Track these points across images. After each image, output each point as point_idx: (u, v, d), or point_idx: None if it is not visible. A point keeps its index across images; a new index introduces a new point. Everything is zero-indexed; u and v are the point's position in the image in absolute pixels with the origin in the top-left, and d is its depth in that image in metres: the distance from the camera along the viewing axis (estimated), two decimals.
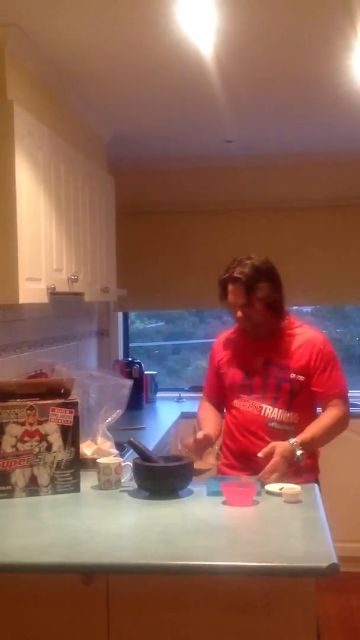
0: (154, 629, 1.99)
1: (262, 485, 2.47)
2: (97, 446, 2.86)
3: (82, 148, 3.74)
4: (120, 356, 5.32)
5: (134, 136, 4.44)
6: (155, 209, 5.14)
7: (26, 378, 3.41)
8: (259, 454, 2.55)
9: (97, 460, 2.60)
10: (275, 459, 2.52)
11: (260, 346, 2.79)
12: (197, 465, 2.58)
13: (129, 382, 3.01)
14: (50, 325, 3.99)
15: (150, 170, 5.09)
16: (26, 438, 2.47)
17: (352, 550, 3.92)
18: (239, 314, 2.74)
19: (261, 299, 2.69)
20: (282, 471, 2.51)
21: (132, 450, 2.68)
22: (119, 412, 2.92)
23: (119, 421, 2.97)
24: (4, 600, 2.02)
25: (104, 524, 2.21)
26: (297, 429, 2.68)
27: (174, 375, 5.79)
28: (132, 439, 2.57)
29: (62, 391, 2.58)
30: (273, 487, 2.44)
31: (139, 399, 4.69)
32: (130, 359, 5.10)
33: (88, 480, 2.57)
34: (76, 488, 2.52)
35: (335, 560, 1.84)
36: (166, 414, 4.65)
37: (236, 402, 2.80)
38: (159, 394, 5.12)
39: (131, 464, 2.53)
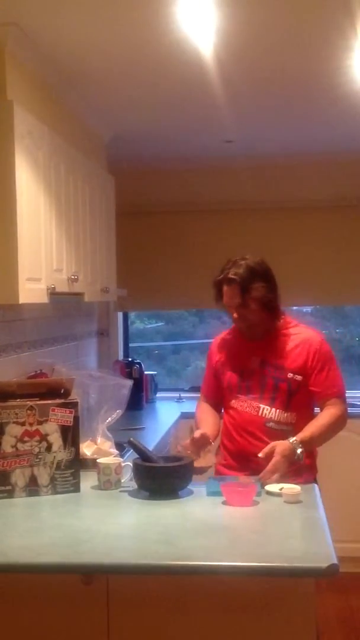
0: (154, 629, 1.99)
1: (263, 485, 2.46)
2: (97, 446, 2.86)
3: (82, 148, 3.74)
4: (120, 356, 5.32)
5: (134, 136, 4.44)
6: (155, 209, 5.14)
7: (26, 378, 3.41)
8: (260, 454, 2.54)
9: (97, 461, 2.60)
10: (276, 458, 2.52)
11: (256, 346, 2.79)
12: (198, 463, 2.58)
13: (129, 382, 3.01)
14: (50, 325, 3.99)
15: (150, 170, 5.09)
16: (26, 438, 2.47)
17: (352, 551, 3.92)
18: (235, 314, 2.74)
19: (256, 299, 2.69)
20: (283, 471, 2.51)
21: (132, 450, 2.68)
22: (119, 412, 2.92)
23: (119, 421, 2.97)
24: (4, 600, 2.02)
25: (104, 524, 2.21)
26: (295, 428, 2.68)
27: (173, 375, 5.79)
28: (132, 439, 2.57)
29: (62, 391, 2.58)
30: (273, 487, 2.44)
31: (138, 399, 4.69)
32: (130, 359, 5.10)
33: (88, 481, 2.57)
34: (76, 488, 2.52)
35: (335, 561, 1.84)
36: (166, 414, 4.65)
37: (234, 403, 2.80)
38: (158, 394, 5.12)
39: (131, 464, 2.52)
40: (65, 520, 2.26)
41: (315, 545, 1.99)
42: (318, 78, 3.40)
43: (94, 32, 2.87)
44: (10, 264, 2.71)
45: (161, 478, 2.44)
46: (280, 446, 2.55)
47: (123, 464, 2.57)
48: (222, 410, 2.91)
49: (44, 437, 2.49)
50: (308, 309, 5.67)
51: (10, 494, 2.45)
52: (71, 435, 2.52)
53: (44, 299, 2.99)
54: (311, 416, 2.77)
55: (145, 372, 4.99)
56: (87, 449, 2.81)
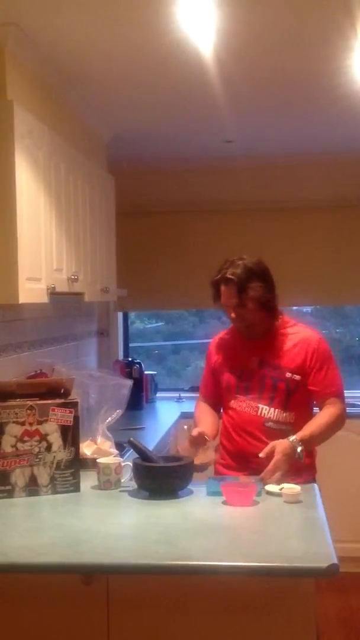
0: (154, 629, 1.99)
1: (265, 484, 2.46)
2: (97, 446, 2.86)
3: (82, 148, 3.74)
4: (120, 356, 5.32)
5: (134, 136, 4.44)
6: (155, 209, 5.14)
7: (26, 378, 3.41)
8: (261, 455, 2.54)
9: (97, 460, 2.60)
10: (277, 457, 2.52)
11: (255, 346, 2.79)
12: (198, 460, 2.58)
13: (129, 382, 3.01)
14: (50, 325, 3.99)
15: (150, 170, 5.09)
16: (26, 438, 2.47)
17: (352, 551, 3.92)
18: (232, 314, 2.74)
19: (253, 298, 2.69)
20: (284, 469, 2.51)
21: (132, 450, 2.68)
22: (118, 412, 2.92)
23: (119, 421, 2.97)
24: (4, 600, 2.02)
25: (103, 524, 2.21)
26: (294, 428, 2.68)
27: (173, 375, 5.79)
28: (132, 438, 2.57)
29: (62, 391, 2.58)
30: (273, 487, 2.44)
31: (138, 399, 4.69)
32: (130, 359, 5.10)
33: (88, 480, 2.57)
34: (76, 488, 2.52)
35: (335, 561, 1.84)
36: (166, 414, 4.65)
37: (233, 403, 2.80)
38: (158, 394, 5.12)
39: (131, 464, 2.52)
40: (65, 520, 2.26)
41: (315, 545, 1.99)
42: (318, 78, 3.40)
43: (93, 32, 2.87)
44: (10, 263, 2.71)
45: (161, 478, 2.44)
46: (280, 445, 2.55)
47: (123, 464, 2.57)
48: (221, 410, 2.92)
49: (43, 437, 2.49)
50: (308, 309, 5.67)
51: (10, 493, 2.45)
52: (71, 435, 2.52)
53: (44, 298, 2.99)
54: (310, 415, 2.77)
55: (145, 372, 5.00)
56: (87, 449, 2.81)
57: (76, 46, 3.02)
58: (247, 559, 1.91)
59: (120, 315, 5.41)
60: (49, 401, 2.51)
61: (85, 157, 3.71)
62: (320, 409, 2.75)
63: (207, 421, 2.85)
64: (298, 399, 2.73)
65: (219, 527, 2.18)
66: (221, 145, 4.59)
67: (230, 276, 2.69)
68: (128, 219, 4.92)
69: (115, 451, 2.88)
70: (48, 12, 2.66)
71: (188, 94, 3.61)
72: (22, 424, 2.46)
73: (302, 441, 2.58)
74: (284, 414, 2.73)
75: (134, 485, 2.50)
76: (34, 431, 2.48)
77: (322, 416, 2.71)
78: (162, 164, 5.01)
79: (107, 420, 2.90)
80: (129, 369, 4.85)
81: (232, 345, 2.88)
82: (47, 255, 3.03)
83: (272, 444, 2.56)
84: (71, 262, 3.37)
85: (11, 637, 2.03)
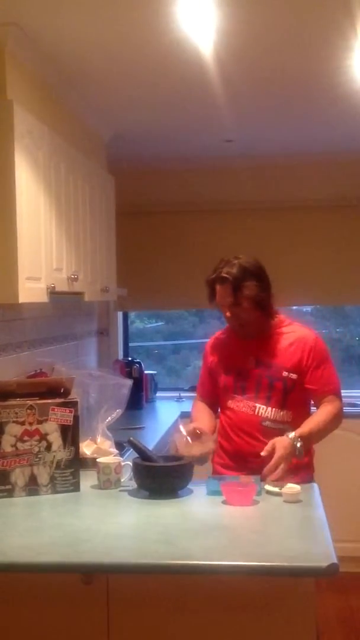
0: (154, 629, 1.99)
1: (267, 481, 2.46)
2: (97, 445, 2.86)
3: (82, 148, 3.74)
4: (120, 356, 5.32)
5: (134, 136, 4.44)
6: (155, 209, 5.14)
7: (26, 377, 3.41)
8: (262, 453, 2.54)
9: (97, 460, 2.60)
10: (279, 452, 2.52)
11: (250, 345, 2.80)
12: (197, 450, 2.59)
13: (129, 382, 3.01)
14: (50, 325, 3.99)
15: (150, 170, 5.09)
16: (26, 437, 2.47)
17: (352, 550, 3.92)
18: (227, 313, 2.75)
19: (248, 297, 2.69)
20: (286, 464, 2.51)
21: (131, 449, 2.69)
22: (118, 412, 2.92)
23: (119, 421, 2.97)
24: (4, 600, 2.02)
25: (103, 524, 2.21)
26: (292, 427, 2.67)
27: (173, 375, 5.80)
28: (131, 438, 2.57)
29: (62, 390, 2.58)
30: (273, 487, 2.44)
31: (138, 399, 4.69)
32: (130, 359, 5.11)
33: (88, 480, 2.57)
34: (76, 487, 2.52)
35: (335, 560, 1.84)
36: (166, 414, 4.65)
37: (230, 403, 2.80)
38: (158, 394, 5.12)
39: (131, 464, 2.53)
40: (65, 520, 2.26)
41: (315, 545, 1.99)
42: (318, 78, 3.40)
43: (94, 32, 2.87)
44: (10, 263, 2.71)
45: (161, 477, 2.44)
46: (279, 442, 2.55)
47: (123, 464, 2.57)
48: (218, 410, 2.92)
49: (43, 437, 2.49)
50: (308, 309, 5.67)
51: (10, 493, 2.45)
52: (71, 434, 2.52)
53: (43, 298, 2.99)
54: (307, 414, 2.78)
55: (145, 372, 5.00)
56: (86, 449, 2.81)
57: (76, 46, 3.02)
58: (247, 558, 1.91)
59: (120, 314, 5.41)
60: (49, 401, 2.51)
61: (85, 157, 3.72)
62: (318, 407, 2.76)
63: (203, 419, 2.85)
64: (295, 398, 2.74)
65: (219, 527, 2.17)
66: (221, 145, 4.59)
67: (225, 275, 2.69)
68: (128, 219, 4.92)
69: (115, 451, 2.88)
70: (48, 12, 2.66)
71: (188, 94, 3.61)
72: (22, 423, 2.46)
73: (301, 438, 2.58)
74: (281, 413, 2.73)
75: (133, 484, 2.50)
76: (34, 431, 2.48)
77: (321, 414, 2.72)
78: (162, 163, 5.01)
79: (107, 420, 2.90)
80: (128, 368, 4.85)
81: (228, 345, 2.88)
82: (47, 254, 3.03)
83: (272, 441, 2.57)
84: (71, 262, 3.37)
85: (11, 637, 2.03)
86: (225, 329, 2.93)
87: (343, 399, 2.83)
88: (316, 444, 2.76)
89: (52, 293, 3.06)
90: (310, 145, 4.70)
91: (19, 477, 2.46)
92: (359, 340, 5.68)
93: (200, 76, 3.25)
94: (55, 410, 2.50)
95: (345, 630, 3.76)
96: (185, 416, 4.30)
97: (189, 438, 2.64)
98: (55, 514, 2.37)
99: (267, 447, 2.56)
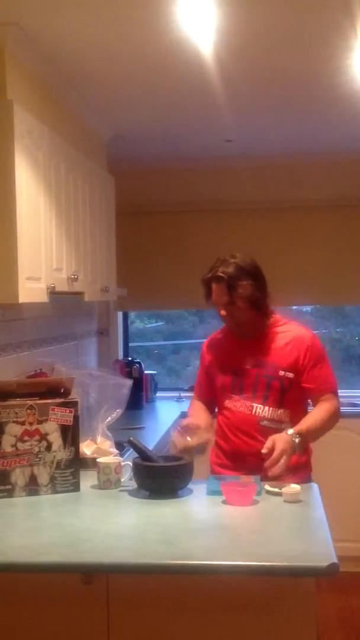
0: (154, 629, 1.99)
1: (269, 474, 2.46)
2: (97, 445, 2.86)
3: (82, 148, 3.74)
4: (120, 356, 5.32)
5: (134, 136, 4.44)
6: (155, 209, 5.14)
7: (26, 377, 3.41)
8: (263, 450, 2.54)
9: (97, 460, 2.60)
10: (280, 446, 2.51)
11: (247, 345, 2.80)
12: (194, 440, 2.59)
13: (129, 382, 3.01)
14: (50, 325, 3.99)
15: (150, 170, 5.09)
16: (26, 437, 2.47)
17: (352, 550, 3.92)
18: (223, 312, 2.75)
19: (244, 297, 2.69)
20: (287, 459, 2.50)
21: (131, 449, 2.68)
22: (118, 412, 2.92)
23: (119, 421, 2.97)
24: (4, 600, 2.02)
25: (103, 524, 2.21)
26: (289, 425, 2.67)
27: (173, 375, 5.79)
28: (131, 438, 2.57)
29: (62, 390, 2.58)
30: (273, 487, 2.44)
31: (138, 399, 4.69)
32: (130, 359, 5.11)
33: (88, 480, 2.57)
34: (76, 487, 2.52)
35: (335, 560, 1.84)
36: (166, 414, 4.65)
37: (228, 403, 2.81)
38: (158, 394, 5.12)
39: (131, 464, 2.52)
40: (65, 520, 2.26)
41: (315, 545, 1.99)
42: (318, 78, 3.40)
43: (94, 32, 2.87)
44: (10, 263, 2.71)
45: (161, 477, 2.44)
46: (279, 438, 2.55)
47: (123, 463, 2.57)
48: (216, 410, 2.92)
49: (43, 437, 2.49)
50: (308, 308, 5.67)
51: (10, 493, 2.45)
52: (71, 434, 2.52)
53: (43, 298, 2.99)
54: (305, 412, 2.78)
55: (145, 372, 5.00)
56: (86, 449, 2.81)
57: (76, 46, 3.02)
58: (247, 558, 1.91)
59: (120, 314, 5.41)
60: (49, 401, 2.51)
61: (85, 157, 3.71)
62: (315, 405, 2.76)
63: (199, 415, 2.86)
64: (292, 397, 2.74)
65: (218, 527, 2.18)
66: (221, 144, 4.59)
67: (220, 274, 2.69)
68: (128, 219, 4.92)
69: (115, 451, 2.88)
70: (48, 12, 2.66)
71: (188, 94, 3.61)
72: (22, 423, 2.46)
73: (300, 434, 2.58)
74: (279, 412, 2.73)
75: (133, 484, 2.50)
76: (34, 431, 2.48)
77: (318, 411, 2.72)
78: (162, 163, 5.01)
79: (107, 420, 2.90)
80: (128, 368, 4.85)
81: (224, 345, 2.89)
82: (47, 254, 3.03)
83: (271, 437, 2.56)
84: (71, 262, 3.37)
85: (11, 637, 2.03)
86: (222, 329, 2.94)
87: (341, 398, 2.83)
88: (313, 442, 2.76)
89: (52, 293, 3.06)
90: (310, 145, 4.70)
91: (19, 477, 2.46)
92: (359, 340, 5.68)
93: (200, 76, 3.25)
94: (56, 410, 2.50)
95: (346, 630, 3.77)
96: (185, 416, 4.31)
97: (184, 432, 2.65)
98: (55, 514, 2.37)
99: (267, 444, 2.55)
